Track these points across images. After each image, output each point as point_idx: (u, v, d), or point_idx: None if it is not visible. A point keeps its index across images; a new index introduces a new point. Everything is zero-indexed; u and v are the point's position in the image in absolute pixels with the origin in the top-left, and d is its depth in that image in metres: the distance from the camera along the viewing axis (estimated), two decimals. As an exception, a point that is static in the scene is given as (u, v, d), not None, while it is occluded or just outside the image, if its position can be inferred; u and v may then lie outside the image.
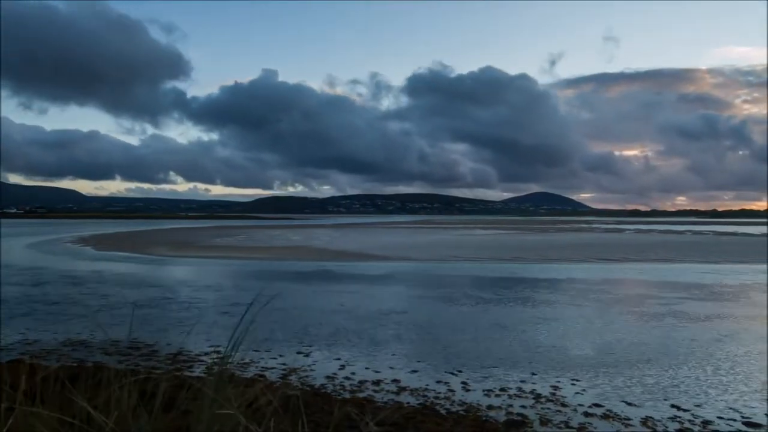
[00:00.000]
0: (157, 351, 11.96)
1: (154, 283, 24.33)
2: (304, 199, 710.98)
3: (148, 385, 2.97)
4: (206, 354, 11.60)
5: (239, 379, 8.44)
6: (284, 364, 11.18)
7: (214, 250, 45.77)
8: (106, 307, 17.49)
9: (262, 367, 10.84)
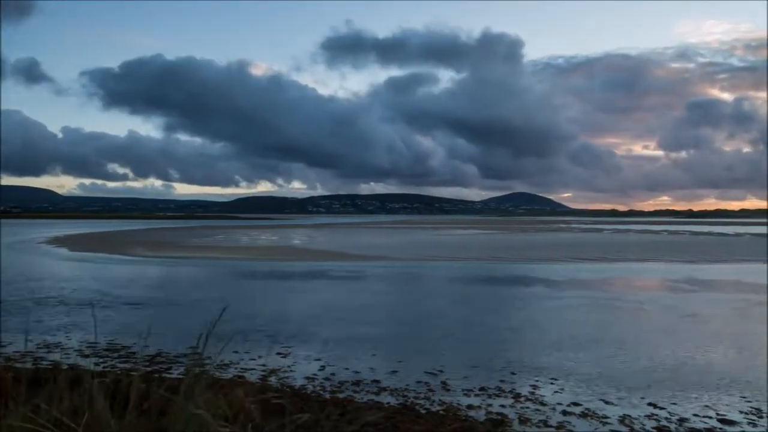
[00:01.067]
0: (135, 353, 11.83)
1: (131, 284, 24.09)
2: (284, 199, 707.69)
3: (123, 386, 2.93)
4: (185, 355, 11.49)
5: (218, 381, 8.38)
6: (264, 365, 11.12)
7: (194, 250, 45.43)
8: (84, 309, 17.27)
9: (242, 368, 10.78)
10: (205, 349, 3.28)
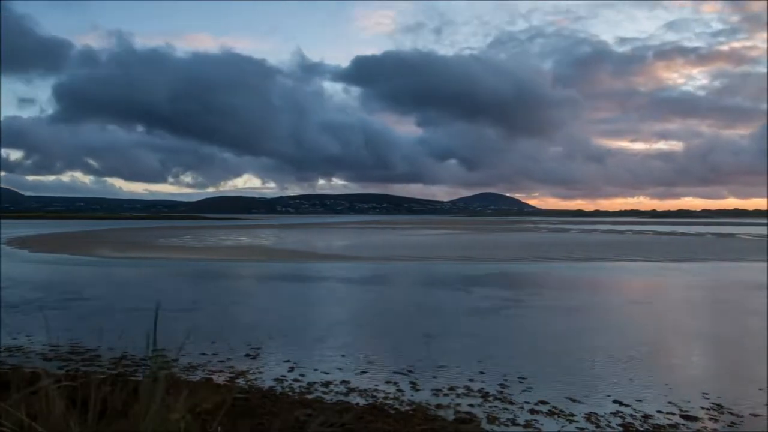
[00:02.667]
0: (100, 355, 11.62)
1: (96, 285, 23.66)
2: (252, 199, 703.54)
3: (86, 389, 2.86)
4: (151, 358, 11.30)
5: (185, 382, 8.26)
6: (232, 366, 11.00)
7: (161, 250, 44.80)
8: (47, 312, 16.90)
9: (209, 371, 10.65)
10: (168, 350, 3.23)
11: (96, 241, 58.29)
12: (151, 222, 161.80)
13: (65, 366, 10.66)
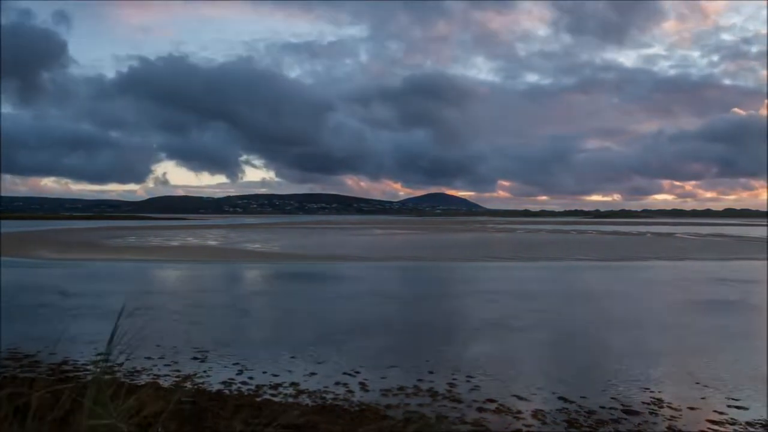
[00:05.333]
0: (39, 361, 11.25)
1: (35, 288, 22.89)
2: (199, 198, 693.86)
3: (26, 396, 2.77)
4: (93, 363, 11.01)
5: (127, 386, 8.07)
6: (178, 370, 10.81)
7: (105, 251, 43.60)
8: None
9: (155, 375, 10.44)
10: (112, 354, 3.15)
11: (35, 242, 56.32)
12: (96, 222, 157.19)
13: (2, 373, 10.28)
